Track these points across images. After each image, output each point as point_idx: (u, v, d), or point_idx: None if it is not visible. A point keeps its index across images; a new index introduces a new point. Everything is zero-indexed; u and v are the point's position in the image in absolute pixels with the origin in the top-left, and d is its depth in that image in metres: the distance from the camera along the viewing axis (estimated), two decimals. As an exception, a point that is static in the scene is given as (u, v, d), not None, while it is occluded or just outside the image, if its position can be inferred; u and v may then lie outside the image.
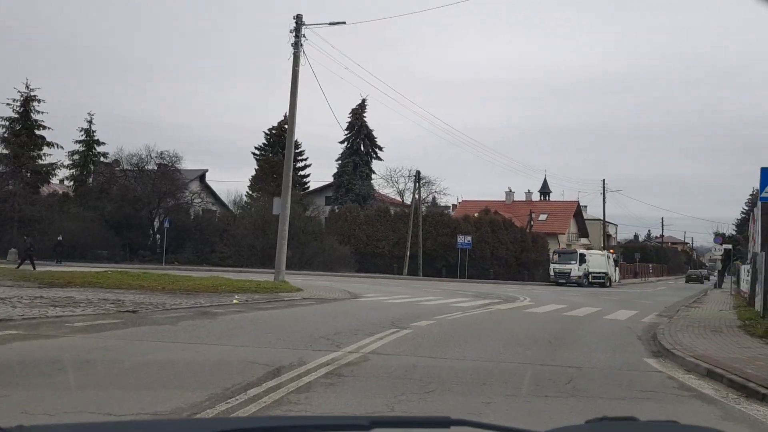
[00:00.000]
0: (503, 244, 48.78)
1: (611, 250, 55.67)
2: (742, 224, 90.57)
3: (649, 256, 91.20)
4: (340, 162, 59.20)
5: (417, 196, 48.34)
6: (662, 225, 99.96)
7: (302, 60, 23.09)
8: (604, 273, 48.20)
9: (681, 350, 9.88)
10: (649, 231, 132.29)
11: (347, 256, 45.56)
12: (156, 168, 47.25)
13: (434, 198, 60.63)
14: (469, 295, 25.41)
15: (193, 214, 48.56)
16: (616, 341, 12.02)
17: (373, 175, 60.80)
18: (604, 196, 58.49)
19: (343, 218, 48.81)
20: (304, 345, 9.33)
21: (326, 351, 8.84)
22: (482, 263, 47.79)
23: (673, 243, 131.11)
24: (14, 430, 1.43)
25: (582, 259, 45.86)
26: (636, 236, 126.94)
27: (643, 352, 10.77)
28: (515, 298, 24.20)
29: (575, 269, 45.34)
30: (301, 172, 65.18)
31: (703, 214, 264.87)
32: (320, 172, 73.49)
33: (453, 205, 73.35)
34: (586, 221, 70.84)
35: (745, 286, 33.58)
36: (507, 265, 48.85)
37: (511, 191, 63.98)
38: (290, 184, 23.01)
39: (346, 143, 59.48)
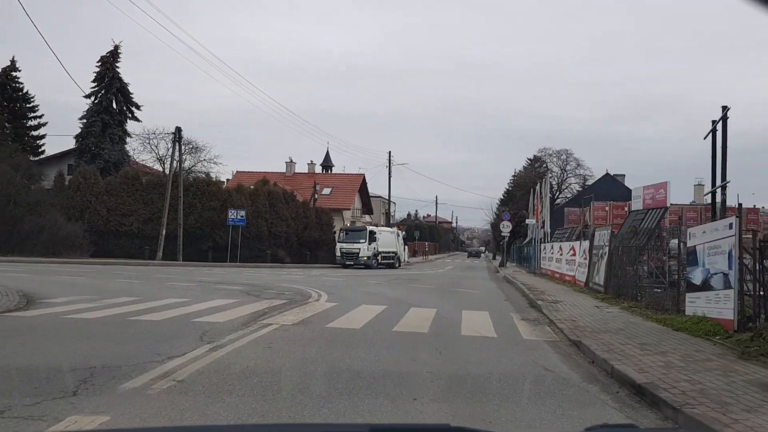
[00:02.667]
0: (283, 220, 40.14)
1: (400, 227, 50.14)
2: (505, 203, 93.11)
3: (425, 234, 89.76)
4: (85, 121, 45.64)
5: (178, 160, 37.50)
6: (436, 204, 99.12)
7: None
8: (393, 252, 42.12)
9: None
10: (416, 210, 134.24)
11: (78, 236, 33.45)
12: None
13: (208, 173, 49.65)
14: (236, 291, 16.34)
15: None
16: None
17: (129, 139, 48.32)
18: (390, 169, 52.77)
19: (74, 187, 36.29)
20: None
21: None
22: (258, 243, 38.71)
23: (440, 222, 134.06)
24: None
25: (372, 237, 39.11)
26: (409, 215, 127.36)
27: None
28: (306, 295, 15.67)
29: (364, 249, 38.46)
30: (34, 132, 50.42)
31: (467, 195, 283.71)
32: (68, 141, 57.83)
33: (228, 179, 62.83)
34: (371, 198, 64.96)
35: (550, 265, 28.98)
36: (287, 245, 40.33)
37: (292, 161, 55.16)
38: None
39: (93, 98, 46.03)
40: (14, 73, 48.63)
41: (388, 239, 41.71)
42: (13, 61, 48.62)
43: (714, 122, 18.23)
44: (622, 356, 7.47)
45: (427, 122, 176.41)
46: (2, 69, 47.59)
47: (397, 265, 42.13)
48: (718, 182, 17.78)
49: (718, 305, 9.28)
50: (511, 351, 8.48)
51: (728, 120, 16.71)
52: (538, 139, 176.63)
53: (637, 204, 32.13)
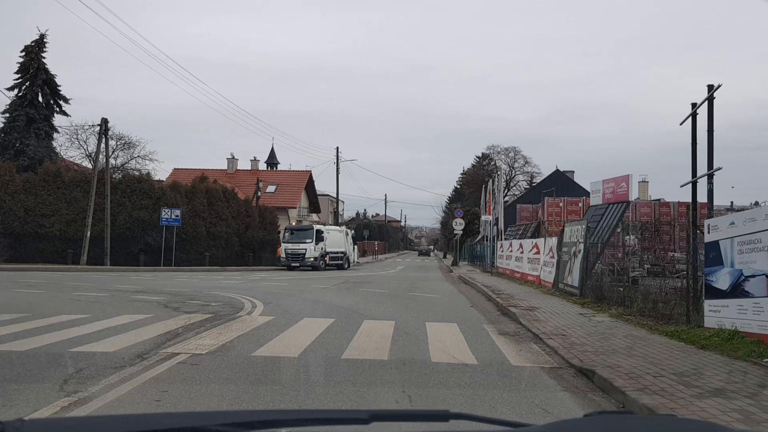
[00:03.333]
0: (223, 219, 37.04)
1: (349, 226, 47.60)
2: (454, 201, 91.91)
3: (374, 234, 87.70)
4: (7, 115, 41.30)
5: (104, 154, 33.93)
6: (385, 202, 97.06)
7: None
8: (342, 253, 39.63)
9: None
10: (365, 210, 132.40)
11: (-11, 240, 29.64)
12: None
13: (149, 173, 45.52)
14: (153, 303, 13.48)
15: None
16: None
17: (56, 135, 44.13)
18: (337, 165, 50.05)
19: (-14, 184, 32.33)
20: None
21: None
22: (196, 245, 35.53)
23: (389, 221, 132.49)
24: (14, 423, 1.37)
25: (319, 236, 36.50)
26: (358, 213, 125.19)
27: None
28: (237, 307, 12.96)
29: (311, 249, 35.83)
30: (-51, 128, 45.77)
31: (416, 194, 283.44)
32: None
33: (165, 179, 58.82)
34: (318, 196, 61.91)
35: (508, 263, 27.01)
36: (228, 247, 37.27)
37: (234, 158, 51.72)
38: None
39: (16, 91, 41.70)
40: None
41: (337, 239, 39.20)
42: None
43: (694, 105, 16.41)
44: (668, 399, 5.20)
45: (378, 123, 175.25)
46: None
47: (346, 266, 39.67)
48: (701, 171, 15.98)
49: (759, 317, 7.17)
50: (504, 390, 6.10)
51: (714, 101, 14.89)
52: (485, 139, 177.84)
53: (596, 199, 30.43)
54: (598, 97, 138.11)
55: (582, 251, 15.36)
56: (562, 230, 18.93)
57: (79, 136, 45.58)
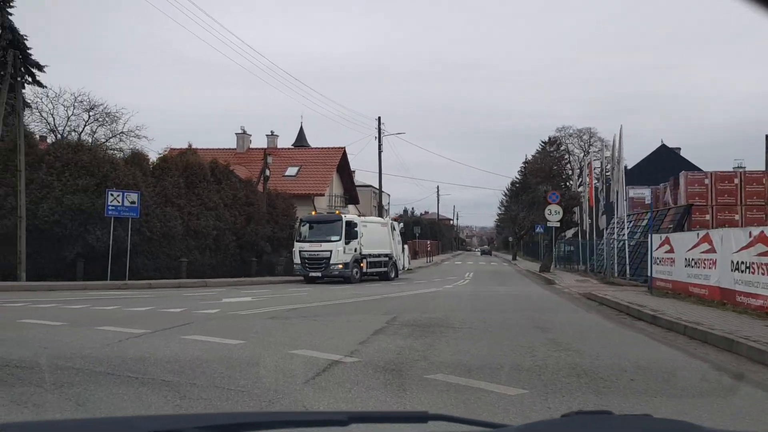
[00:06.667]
0: (211, 209, 24.52)
1: (395, 217, 34.56)
2: (515, 195, 78.39)
3: (426, 232, 74.58)
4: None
5: (18, 105, 21.89)
6: (438, 195, 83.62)
7: None
8: (387, 255, 26.58)
9: None
10: (413, 207, 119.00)
11: None
12: None
13: (133, 150, 34.20)
14: None
15: None
16: None
17: (29, 110, 33.41)
18: (379, 140, 36.97)
19: None
20: None
21: None
22: (168, 247, 23.09)
23: (440, 219, 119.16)
24: None
25: (350, 232, 23.66)
26: (406, 210, 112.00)
27: None
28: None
29: (338, 251, 23.07)
30: None
31: (463, 194, 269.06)
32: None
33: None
34: (357, 188, 48.78)
35: (696, 274, 13.24)
36: (219, 249, 24.74)
37: (245, 133, 38.67)
38: None
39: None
40: None
41: (379, 235, 26.18)
42: None
43: None
44: None
45: (416, 123, 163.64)
46: None
47: (392, 274, 26.62)
48: None
49: None
50: None
51: None
52: (528, 137, 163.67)
53: None
54: (642, 91, 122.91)
55: None
56: None
57: (53, 103, 35.28)
